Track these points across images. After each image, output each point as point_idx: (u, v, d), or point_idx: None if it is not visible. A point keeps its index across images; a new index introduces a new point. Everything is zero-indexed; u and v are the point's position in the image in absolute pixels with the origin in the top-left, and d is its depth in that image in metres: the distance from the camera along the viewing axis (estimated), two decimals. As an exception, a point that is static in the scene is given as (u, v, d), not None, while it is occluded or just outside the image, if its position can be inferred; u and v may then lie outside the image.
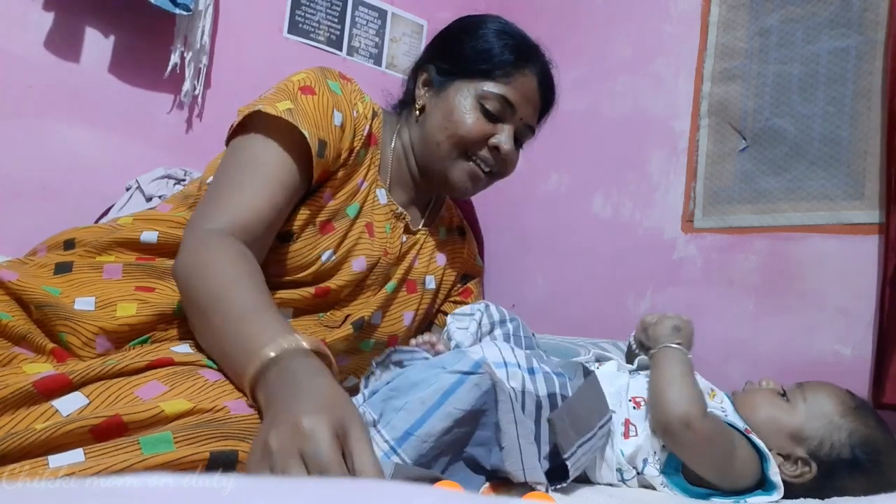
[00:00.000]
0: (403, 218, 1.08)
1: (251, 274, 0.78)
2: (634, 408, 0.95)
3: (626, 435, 0.92)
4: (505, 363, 0.82)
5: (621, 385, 0.98)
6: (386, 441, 0.74)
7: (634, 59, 2.02)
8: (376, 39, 2.25)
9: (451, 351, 0.87)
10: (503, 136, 1.04)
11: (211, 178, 0.97)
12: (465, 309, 1.03)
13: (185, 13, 1.71)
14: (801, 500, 0.90)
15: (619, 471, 0.91)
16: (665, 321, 1.01)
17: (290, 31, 2.05)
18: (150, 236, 0.91)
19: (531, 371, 0.83)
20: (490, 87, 1.02)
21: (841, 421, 0.93)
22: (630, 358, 1.09)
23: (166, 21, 1.77)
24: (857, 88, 1.53)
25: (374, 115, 1.03)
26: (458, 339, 0.96)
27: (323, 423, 0.55)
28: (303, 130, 0.89)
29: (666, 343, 0.96)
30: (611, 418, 0.90)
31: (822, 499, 0.90)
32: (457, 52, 1.05)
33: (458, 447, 0.78)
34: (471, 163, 1.05)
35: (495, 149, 1.04)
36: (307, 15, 2.09)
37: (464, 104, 1.02)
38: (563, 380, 0.89)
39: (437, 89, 1.05)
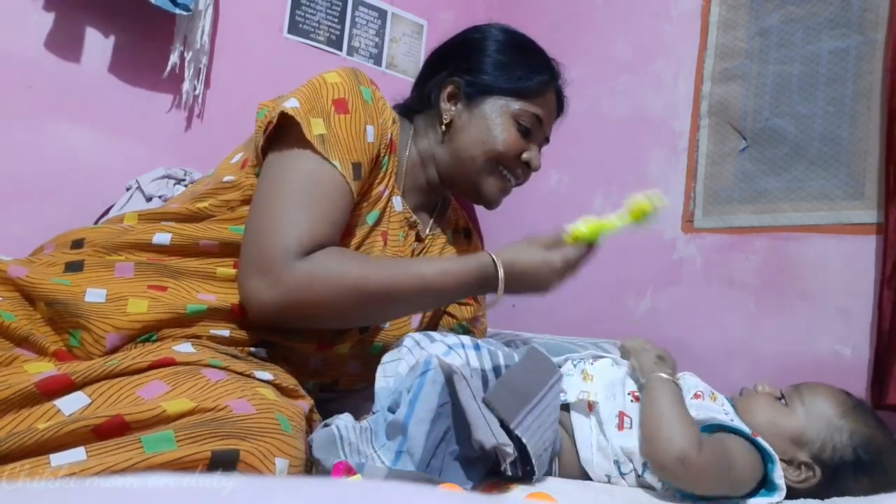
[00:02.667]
0: (416, 225, 1.09)
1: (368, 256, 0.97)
2: (633, 401, 0.95)
3: (620, 427, 0.92)
4: (450, 347, 0.85)
5: (616, 377, 0.97)
6: (383, 463, 0.77)
7: (634, 59, 2.02)
8: (376, 39, 2.25)
9: (407, 371, 0.87)
10: (534, 153, 1.08)
11: (225, 177, 0.96)
12: (389, 356, 0.94)
13: (185, 13, 1.71)
14: (802, 500, 0.90)
15: (617, 463, 0.91)
16: (650, 352, 1.01)
17: (290, 31, 2.05)
18: (162, 238, 0.91)
19: (476, 347, 0.87)
20: (525, 105, 1.05)
21: (841, 422, 0.92)
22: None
23: (166, 21, 1.77)
24: (857, 88, 1.53)
25: (394, 121, 1.03)
26: (378, 387, 0.90)
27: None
28: (333, 163, 0.89)
29: (654, 372, 0.95)
30: (560, 378, 0.91)
31: (822, 499, 0.90)
32: (486, 67, 1.06)
33: (448, 443, 0.79)
34: (503, 177, 1.09)
35: (526, 164, 1.08)
36: (307, 15, 2.09)
37: (501, 121, 1.05)
38: (508, 350, 0.92)
39: (468, 104, 1.06)
